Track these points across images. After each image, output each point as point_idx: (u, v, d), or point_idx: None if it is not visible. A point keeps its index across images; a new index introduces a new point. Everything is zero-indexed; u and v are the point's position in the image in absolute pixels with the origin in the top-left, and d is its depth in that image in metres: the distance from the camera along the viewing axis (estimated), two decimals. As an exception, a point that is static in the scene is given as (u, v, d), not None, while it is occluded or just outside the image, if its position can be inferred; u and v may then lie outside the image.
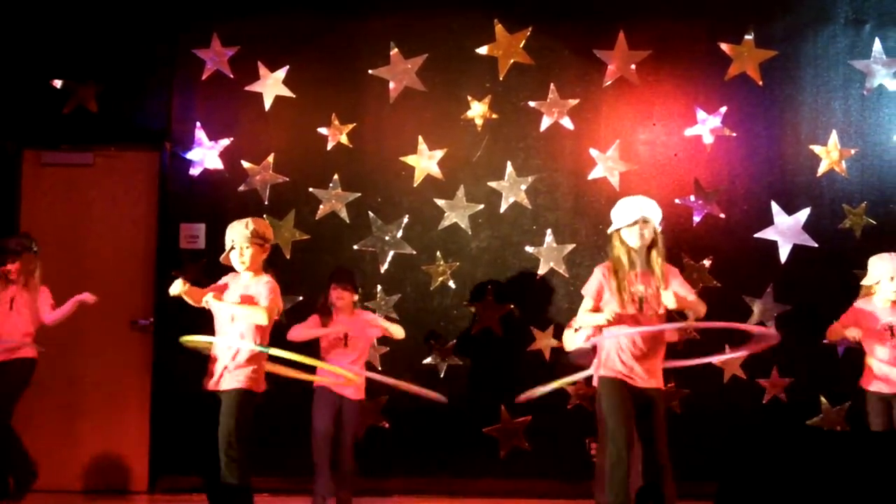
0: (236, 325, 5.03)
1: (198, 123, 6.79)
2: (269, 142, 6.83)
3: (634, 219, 4.84)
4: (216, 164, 6.80)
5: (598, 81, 6.81)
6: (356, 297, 6.08)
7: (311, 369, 5.64)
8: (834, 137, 6.74)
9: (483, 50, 6.83)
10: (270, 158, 6.80)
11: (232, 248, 5.12)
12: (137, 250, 6.81)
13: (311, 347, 5.88)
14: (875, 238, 6.56)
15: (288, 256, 6.69)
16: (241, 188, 6.78)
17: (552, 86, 6.79)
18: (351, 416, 5.94)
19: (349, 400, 5.93)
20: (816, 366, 6.37)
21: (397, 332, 6.07)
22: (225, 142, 6.80)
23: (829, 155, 6.74)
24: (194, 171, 6.79)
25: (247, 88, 6.81)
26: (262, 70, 6.81)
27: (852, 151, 6.73)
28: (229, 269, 5.35)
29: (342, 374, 5.63)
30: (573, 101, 6.79)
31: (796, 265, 6.66)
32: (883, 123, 6.77)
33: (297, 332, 5.92)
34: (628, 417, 4.81)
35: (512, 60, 6.82)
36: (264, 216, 6.44)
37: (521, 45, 6.83)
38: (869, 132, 6.77)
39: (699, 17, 6.85)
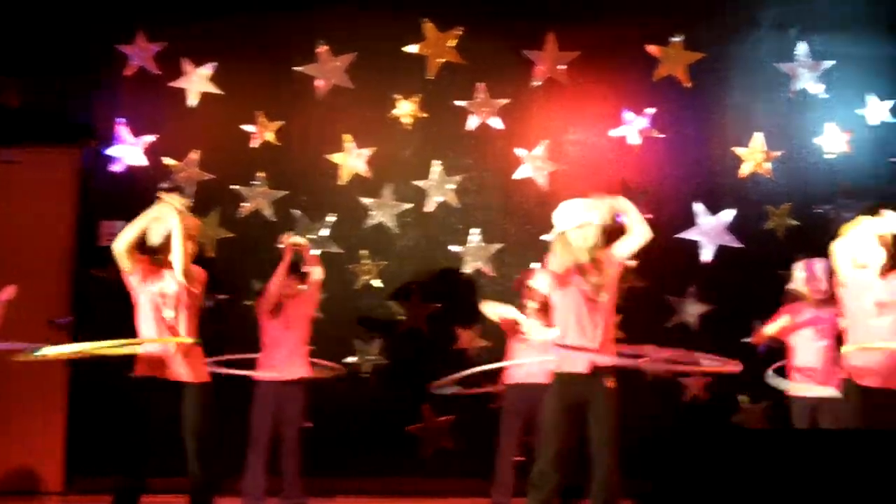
0: (167, 313, 4.93)
1: (121, 120, 6.69)
2: (194, 139, 6.74)
3: (579, 221, 4.80)
4: (140, 160, 6.70)
5: (528, 82, 6.81)
6: None
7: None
8: (758, 139, 6.78)
9: (413, 49, 6.80)
10: (194, 155, 6.71)
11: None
12: (57, 248, 6.68)
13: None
14: (798, 239, 6.61)
15: (212, 254, 6.60)
16: (165, 185, 6.68)
17: (482, 86, 6.78)
18: (294, 405, 5.78)
19: (290, 386, 5.76)
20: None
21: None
22: (149, 138, 6.71)
23: (753, 156, 6.78)
24: (116, 168, 6.69)
25: (171, 84, 6.73)
26: (188, 66, 6.73)
27: (779, 153, 6.78)
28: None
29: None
30: (503, 101, 6.78)
31: (721, 265, 6.70)
32: (807, 126, 6.83)
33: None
34: (569, 433, 4.72)
35: (442, 60, 6.80)
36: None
37: (452, 44, 6.81)
38: (794, 134, 6.83)
39: (628, 19, 6.87)
